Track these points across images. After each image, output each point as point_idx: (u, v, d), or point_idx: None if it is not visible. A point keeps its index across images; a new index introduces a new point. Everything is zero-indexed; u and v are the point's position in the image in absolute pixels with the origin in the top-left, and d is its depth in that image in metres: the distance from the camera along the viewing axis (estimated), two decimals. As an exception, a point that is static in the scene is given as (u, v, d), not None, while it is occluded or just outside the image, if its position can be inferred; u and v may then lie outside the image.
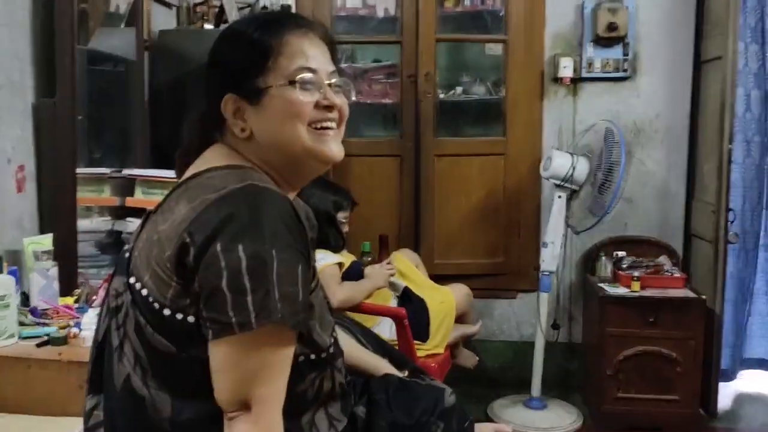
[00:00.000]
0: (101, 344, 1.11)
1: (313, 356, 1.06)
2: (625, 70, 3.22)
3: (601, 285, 3.06)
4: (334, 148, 1.11)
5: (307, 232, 1.03)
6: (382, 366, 1.42)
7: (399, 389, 1.27)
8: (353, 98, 1.17)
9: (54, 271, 1.91)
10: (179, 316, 0.97)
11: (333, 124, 1.11)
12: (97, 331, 1.14)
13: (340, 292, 2.46)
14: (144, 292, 1.00)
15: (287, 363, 0.98)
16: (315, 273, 1.09)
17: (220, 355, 0.95)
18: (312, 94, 1.08)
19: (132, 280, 1.03)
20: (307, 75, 1.07)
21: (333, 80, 1.11)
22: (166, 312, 0.98)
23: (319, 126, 1.09)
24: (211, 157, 1.10)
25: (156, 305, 0.98)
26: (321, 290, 1.13)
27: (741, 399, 3.27)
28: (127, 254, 1.08)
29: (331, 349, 1.11)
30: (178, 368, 1.00)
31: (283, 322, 0.94)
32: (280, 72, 1.06)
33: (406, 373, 1.44)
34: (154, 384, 1.01)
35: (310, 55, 1.08)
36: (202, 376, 0.97)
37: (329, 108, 1.09)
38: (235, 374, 0.94)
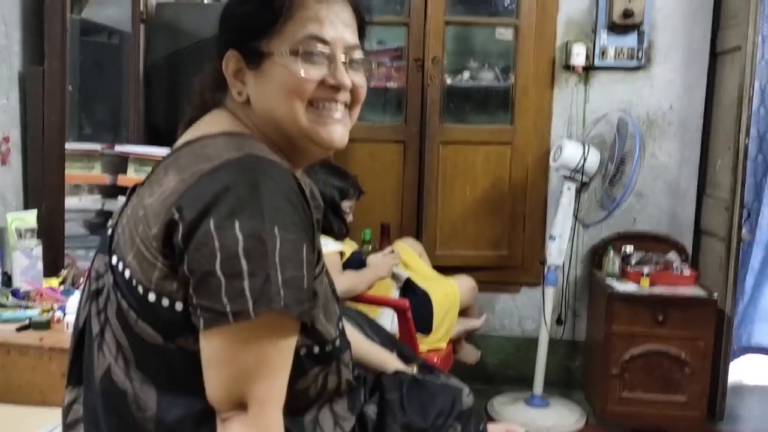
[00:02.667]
0: (82, 331, 0.99)
1: (316, 349, 0.95)
2: (639, 59, 3.10)
3: (609, 281, 2.95)
4: (335, 133, 0.97)
5: (312, 212, 0.91)
6: (389, 361, 1.32)
7: (413, 388, 1.16)
8: (374, 80, 1.03)
9: (38, 250, 1.79)
10: (166, 302, 0.86)
11: (339, 107, 0.97)
12: (77, 316, 1.03)
13: (341, 282, 2.35)
14: (127, 273, 0.88)
15: (289, 357, 0.87)
16: (320, 257, 0.97)
17: (212, 347, 0.83)
18: (318, 69, 0.94)
19: (114, 259, 0.91)
20: (317, 46, 0.94)
21: (352, 56, 0.97)
22: (151, 297, 0.86)
23: (321, 106, 0.96)
24: (208, 123, 0.98)
25: (140, 289, 0.87)
26: (326, 276, 1.01)
27: (748, 400, 3.18)
28: (109, 231, 0.96)
29: (337, 342, 0.99)
30: (165, 360, 0.88)
31: (286, 311, 0.82)
32: (287, 38, 0.94)
33: (415, 368, 1.34)
34: (138, 377, 0.90)
35: (327, 23, 0.94)
36: (191, 371, 0.85)
37: (336, 89, 0.96)
38: (230, 369, 0.83)
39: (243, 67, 0.97)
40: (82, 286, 1.80)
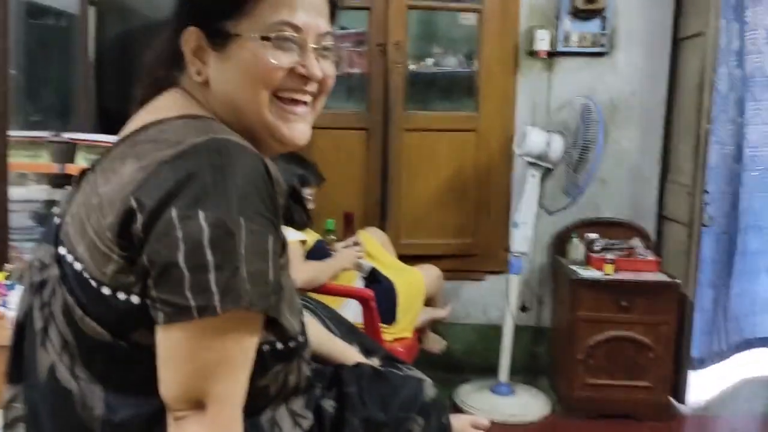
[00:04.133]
0: (22, 324, 0.93)
1: (279, 345, 0.90)
2: (602, 45, 3.09)
3: (573, 267, 2.95)
4: (298, 130, 0.93)
5: (279, 197, 0.86)
6: (351, 354, 1.26)
7: (373, 380, 1.11)
8: (343, 69, 0.97)
9: (-20, 243, 1.70)
10: (122, 295, 0.80)
11: (306, 98, 0.93)
12: (19, 309, 0.96)
13: (303, 272, 2.30)
14: (77, 266, 0.82)
15: (252, 354, 0.82)
16: (285, 248, 0.92)
17: (171, 342, 0.78)
18: (288, 57, 0.89)
19: (62, 251, 0.85)
20: (289, 32, 0.89)
21: (323, 43, 0.92)
22: (105, 291, 0.81)
23: (287, 97, 0.91)
24: (164, 105, 0.91)
25: (93, 282, 0.81)
26: (288, 269, 0.96)
27: (710, 385, 3.22)
28: (56, 220, 0.90)
29: (300, 338, 0.94)
30: (113, 358, 0.83)
31: (252, 307, 0.77)
32: (257, 21, 0.88)
33: (378, 361, 1.29)
34: (84, 375, 0.84)
35: (300, 8, 0.89)
36: (142, 369, 0.80)
37: (305, 78, 0.91)
38: (189, 366, 0.78)
39: (204, 46, 0.90)
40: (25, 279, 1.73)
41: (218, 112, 0.91)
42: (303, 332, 0.96)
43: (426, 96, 3.33)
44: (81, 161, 2.07)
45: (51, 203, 2.09)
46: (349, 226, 2.89)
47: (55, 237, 0.88)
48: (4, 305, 1.51)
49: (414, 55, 3.25)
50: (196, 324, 0.76)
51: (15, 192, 2.00)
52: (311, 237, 2.49)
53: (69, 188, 0.95)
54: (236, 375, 0.80)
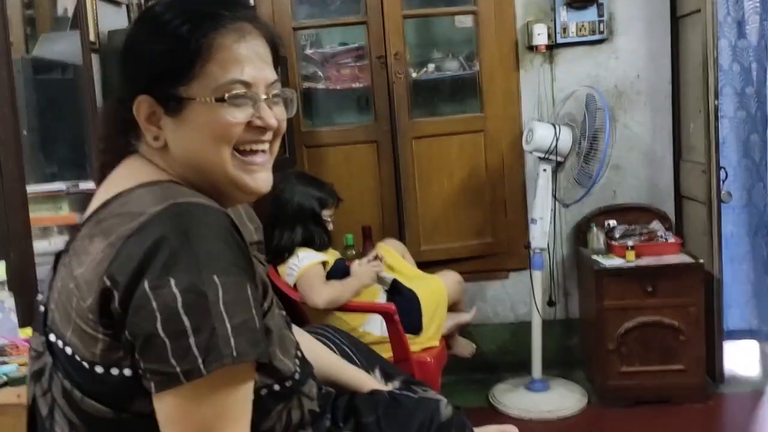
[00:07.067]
0: (31, 410, 0.96)
1: (277, 387, 0.93)
2: (601, 32, 3.08)
3: (595, 257, 2.94)
4: (261, 179, 0.95)
5: (247, 242, 0.88)
6: (366, 380, 1.28)
7: (390, 407, 1.15)
8: (293, 112, 0.98)
9: (10, 302, 1.76)
10: (114, 371, 0.83)
11: (265, 147, 0.95)
12: (27, 393, 0.99)
13: (326, 292, 2.34)
14: (68, 350, 0.85)
15: (248, 402, 0.85)
16: (267, 290, 0.94)
17: (168, 407, 0.81)
18: (243, 112, 0.91)
19: (52, 338, 0.87)
20: (240, 89, 0.90)
21: (272, 92, 0.94)
22: (98, 369, 0.83)
23: (247, 149, 0.93)
24: (123, 176, 0.93)
25: (85, 364, 0.84)
26: (276, 306, 0.98)
27: (746, 362, 3.19)
28: (42, 307, 0.92)
29: (297, 375, 0.97)
30: (119, 431, 0.86)
31: (242, 360, 0.80)
32: (208, 82, 0.89)
33: (397, 384, 1.30)
34: None
35: (247, 63, 0.91)
36: None
37: (262, 129, 0.93)
38: (189, 426, 0.81)
39: (158, 112, 0.92)
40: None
41: (180, 173, 0.93)
42: (300, 368, 0.99)
43: (431, 102, 3.35)
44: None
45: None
46: (367, 239, 2.92)
47: (43, 325, 0.90)
48: (37, 362, 1.56)
49: (415, 63, 3.27)
50: (186, 387, 0.79)
51: (39, 245, 2.05)
52: (332, 256, 2.52)
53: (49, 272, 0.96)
54: (236, 425, 0.83)
